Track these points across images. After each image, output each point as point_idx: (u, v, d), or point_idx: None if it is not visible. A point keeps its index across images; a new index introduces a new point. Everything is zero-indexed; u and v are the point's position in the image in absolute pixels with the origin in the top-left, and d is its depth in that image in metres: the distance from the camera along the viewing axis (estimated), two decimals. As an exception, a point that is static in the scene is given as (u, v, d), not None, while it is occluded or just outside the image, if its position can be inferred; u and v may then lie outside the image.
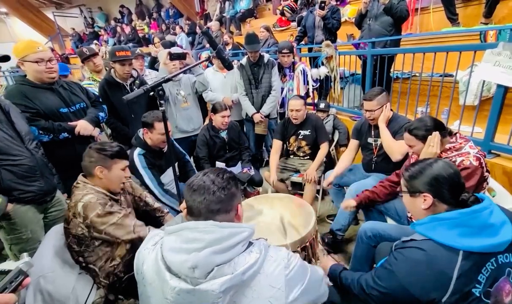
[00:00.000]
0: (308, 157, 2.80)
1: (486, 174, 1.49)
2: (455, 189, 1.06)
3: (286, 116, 2.88)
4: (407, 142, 1.65)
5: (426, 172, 1.10)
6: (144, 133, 2.17)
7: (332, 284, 1.89)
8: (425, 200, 1.09)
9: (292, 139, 2.81)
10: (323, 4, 3.78)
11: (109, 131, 3.07)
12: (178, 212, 2.15)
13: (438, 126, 1.54)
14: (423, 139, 1.55)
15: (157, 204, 1.95)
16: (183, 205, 1.02)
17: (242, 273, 0.79)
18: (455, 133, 1.60)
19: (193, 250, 0.79)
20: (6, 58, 1.62)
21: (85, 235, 1.39)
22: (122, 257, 1.51)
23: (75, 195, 1.42)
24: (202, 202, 0.87)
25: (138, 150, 2.11)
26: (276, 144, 2.79)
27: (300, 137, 2.77)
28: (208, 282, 0.77)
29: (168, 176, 2.32)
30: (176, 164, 2.42)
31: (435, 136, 1.50)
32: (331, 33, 3.99)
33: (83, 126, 2.04)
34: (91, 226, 1.37)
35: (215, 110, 2.68)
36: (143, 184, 2.07)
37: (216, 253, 0.79)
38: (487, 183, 1.55)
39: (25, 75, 1.91)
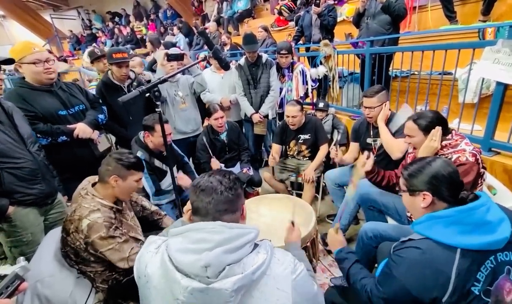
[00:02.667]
0: (307, 158, 2.79)
1: (482, 170, 1.49)
2: (454, 188, 1.06)
3: (285, 117, 2.86)
4: (408, 132, 1.64)
5: (425, 171, 1.10)
6: (145, 136, 2.16)
7: (333, 285, 1.88)
8: (424, 198, 1.08)
9: (292, 143, 2.80)
10: (318, 1, 3.77)
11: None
12: (172, 205, 2.16)
13: (442, 122, 1.55)
14: (425, 130, 1.55)
15: (154, 207, 1.94)
16: (187, 207, 1.01)
17: (252, 273, 0.80)
18: (451, 131, 1.60)
19: (203, 249, 0.79)
20: (10, 61, 1.61)
21: (82, 249, 1.38)
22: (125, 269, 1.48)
23: (81, 207, 1.38)
24: (210, 202, 0.87)
25: (140, 154, 2.10)
26: (275, 148, 2.77)
27: (300, 141, 2.75)
28: (221, 281, 0.77)
29: (168, 180, 2.31)
30: (175, 166, 2.43)
31: (438, 130, 1.51)
32: (327, 31, 3.98)
33: (81, 129, 2.02)
34: (89, 244, 1.36)
35: (209, 114, 2.68)
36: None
37: (227, 252, 0.79)
38: (484, 179, 1.55)
39: (24, 77, 1.89)
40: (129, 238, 1.48)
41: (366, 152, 1.88)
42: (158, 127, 2.05)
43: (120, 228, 1.46)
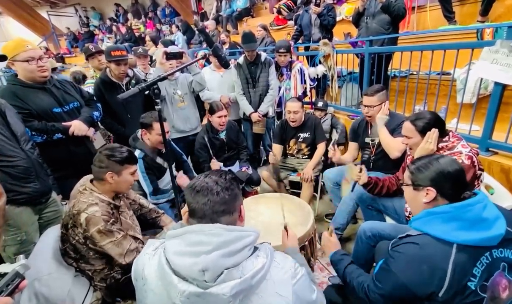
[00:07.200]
0: (307, 156, 2.80)
1: (478, 172, 1.50)
2: (458, 186, 1.07)
3: (283, 117, 2.86)
4: (406, 132, 1.64)
5: (432, 166, 1.10)
6: (142, 134, 2.15)
7: (331, 284, 1.88)
8: (427, 194, 1.09)
9: (292, 142, 2.80)
10: (318, 1, 3.77)
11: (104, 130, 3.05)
12: (171, 204, 2.17)
13: (439, 123, 1.55)
14: (422, 132, 1.55)
15: (151, 205, 1.93)
16: (184, 209, 0.99)
17: (251, 278, 0.78)
18: (448, 132, 1.60)
19: (201, 253, 0.77)
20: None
21: (81, 244, 1.38)
22: (122, 266, 1.48)
23: (79, 202, 1.39)
24: (206, 204, 0.84)
25: (138, 153, 2.09)
26: (276, 149, 2.76)
27: (300, 140, 2.75)
28: (219, 286, 0.75)
29: (167, 178, 2.30)
30: (174, 165, 2.42)
31: (434, 132, 1.51)
32: (327, 31, 3.98)
33: (77, 127, 2.00)
34: (88, 238, 1.36)
35: (212, 111, 2.65)
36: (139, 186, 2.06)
37: (225, 256, 0.77)
38: (481, 181, 1.55)
39: (17, 75, 1.86)
40: (127, 235, 1.48)
41: (358, 166, 1.86)
42: (155, 125, 2.06)
43: (118, 224, 1.46)
